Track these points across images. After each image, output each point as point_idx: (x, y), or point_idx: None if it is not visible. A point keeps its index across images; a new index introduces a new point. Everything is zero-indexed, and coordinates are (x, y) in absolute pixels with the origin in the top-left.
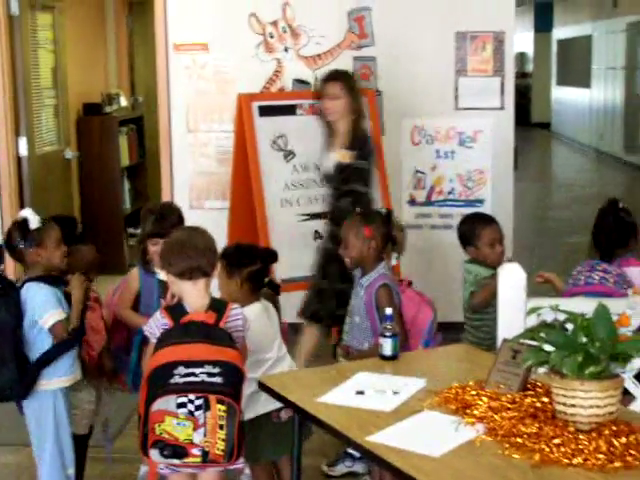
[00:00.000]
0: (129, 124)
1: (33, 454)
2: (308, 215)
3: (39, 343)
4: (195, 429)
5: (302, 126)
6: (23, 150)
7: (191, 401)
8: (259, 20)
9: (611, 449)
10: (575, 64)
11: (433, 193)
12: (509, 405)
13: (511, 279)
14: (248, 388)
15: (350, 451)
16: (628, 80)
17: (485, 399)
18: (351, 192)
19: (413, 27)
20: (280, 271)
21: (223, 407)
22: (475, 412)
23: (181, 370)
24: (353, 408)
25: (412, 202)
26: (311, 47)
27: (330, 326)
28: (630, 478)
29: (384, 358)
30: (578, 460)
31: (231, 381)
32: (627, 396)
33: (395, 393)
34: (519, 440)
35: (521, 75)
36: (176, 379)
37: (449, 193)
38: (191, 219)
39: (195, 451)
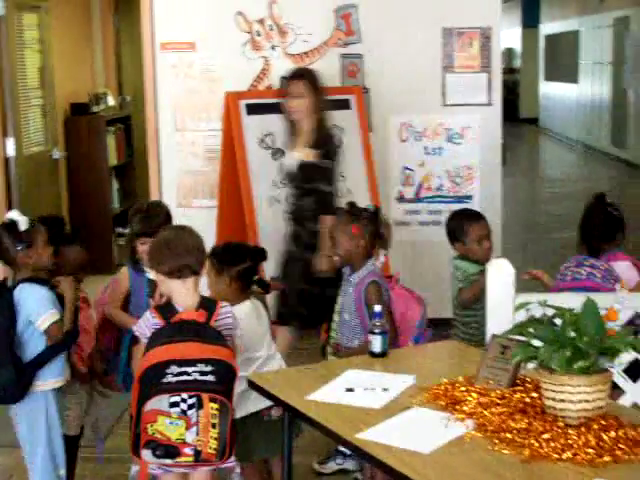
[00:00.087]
0: (117, 123)
1: (23, 456)
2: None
3: (33, 344)
4: (188, 428)
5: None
6: (10, 150)
7: (184, 400)
8: (246, 18)
9: (600, 443)
10: (562, 59)
11: (422, 190)
12: (498, 401)
13: (500, 275)
14: (238, 386)
15: (341, 448)
16: (615, 75)
17: (474, 395)
18: (314, 191)
19: (400, 24)
20: (269, 269)
21: (216, 405)
22: (464, 408)
23: (174, 369)
24: (343, 405)
25: (401, 199)
26: (298, 45)
27: (301, 327)
28: (619, 472)
29: (373, 355)
30: (567, 455)
31: (223, 379)
32: (616, 390)
33: (385, 390)
34: (509, 435)
35: (509, 71)
36: (169, 378)
37: (438, 189)
38: (179, 218)
39: (187, 450)
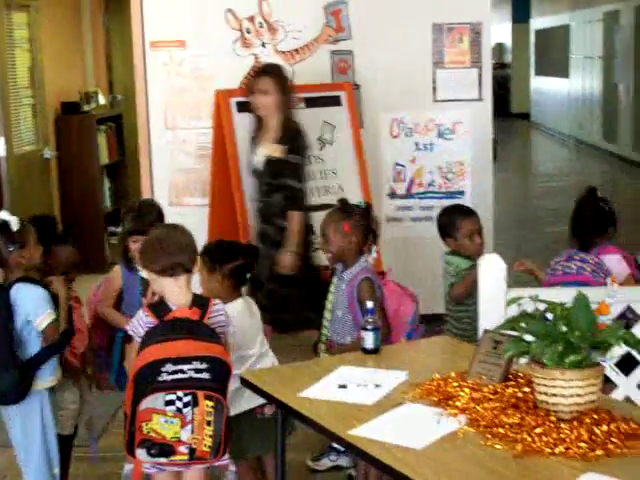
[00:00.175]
0: (108, 122)
1: (17, 456)
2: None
3: (30, 344)
4: (183, 426)
5: None
6: (1, 150)
7: (179, 398)
8: (236, 16)
9: (592, 437)
10: (553, 54)
11: (413, 185)
12: (491, 396)
13: (491, 270)
14: (232, 384)
15: (335, 445)
16: (606, 69)
17: (467, 390)
18: (284, 187)
19: (390, 20)
20: None
21: (211, 403)
22: (457, 403)
23: (169, 367)
24: (335, 402)
25: (392, 195)
26: (288, 42)
27: (275, 327)
28: (611, 466)
29: (366, 351)
30: (560, 449)
31: (218, 376)
32: (608, 384)
33: (377, 386)
34: (501, 430)
35: (500, 66)
36: (164, 376)
37: (429, 185)
38: (171, 216)
39: (182, 449)
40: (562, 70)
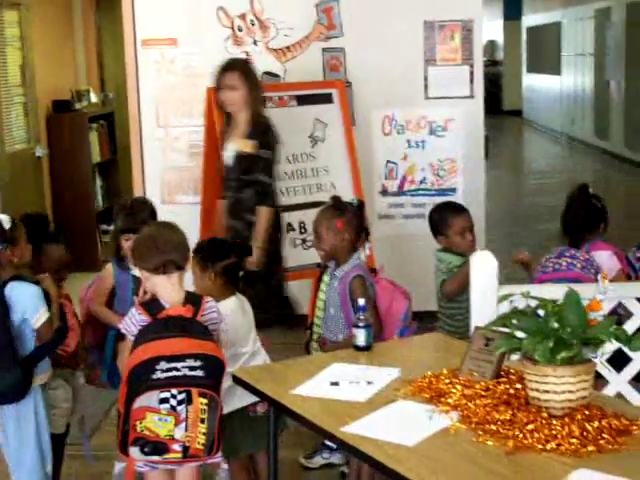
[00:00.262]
0: (99, 120)
1: (7, 456)
2: (280, 207)
3: (27, 342)
4: (177, 424)
5: (272, 119)
6: None
7: (173, 396)
8: (227, 13)
9: (584, 433)
10: (545, 51)
11: (405, 183)
12: (483, 392)
13: (483, 267)
14: (225, 382)
15: (327, 442)
16: (597, 66)
17: (459, 387)
18: (255, 182)
19: (381, 17)
20: None
21: (205, 400)
22: (449, 400)
23: (163, 365)
24: (328, 399)
25: (384, 192)
26: (280, 39)
27: None
28: (603, 462)
29: (358, 349)
30: (552, 445)
31: (212, 374)
32: (600, 380)
33: (369, 383)
34: (493, 427)
35: (492, 63)
36: (158, 374)
37: (421, 182)
38: (163, 214)
39: (176, 447)
40: (554, 67)
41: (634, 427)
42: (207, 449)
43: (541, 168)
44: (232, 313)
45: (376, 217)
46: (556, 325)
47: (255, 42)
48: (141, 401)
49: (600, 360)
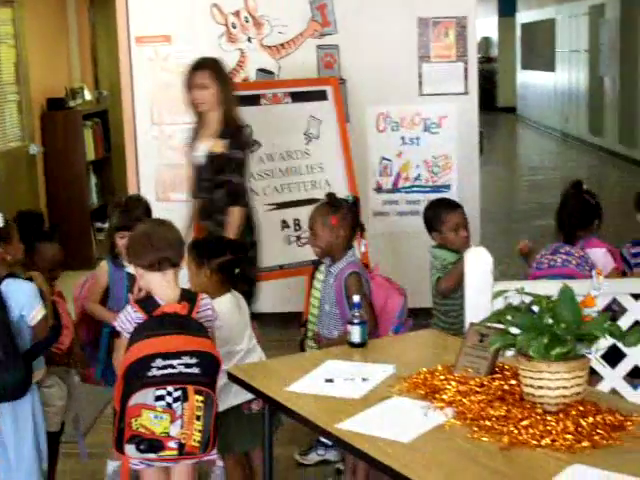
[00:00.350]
0: (94, 118)
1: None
2: (275, 204)
3: (24, 339)
4: (172, 422)
5: (267, 116)
6: None
7: (169, 393)
8: (221, 10)
9: (579, 429)
10: (539, 48)
11: (399, 180)
12: (477, 389)
13: (478, 263)
14: (220, 380)
15: (322, 439)
16: (592, 63)
17: (454, 383)
18: (226, 183)
19: (375, 14)
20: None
21: (201, 397)
22: (444, 397)
23: (159, 362)
24: (322, 396)
25: (379, 189)
26: (274, 36)
27: None
28: (597, 457)
29: (353, 345)
30: (546, 441)
31: (208, 371)
32: (594, 376)
33: (364, 380)
34: (488, 423)
35: (486, 60)
36: (154, 372)
37: (415, 179)
38: (158, 212)
39: (171, 444)
40: (548, 64)
41: (628, 423)
42: (203, 446)
43: (535, 165)
44: (227, 310)
45: (371, 214)
46: (550, 321)
47: (249, 39)
48: (137, 398)
49: (594, 356)
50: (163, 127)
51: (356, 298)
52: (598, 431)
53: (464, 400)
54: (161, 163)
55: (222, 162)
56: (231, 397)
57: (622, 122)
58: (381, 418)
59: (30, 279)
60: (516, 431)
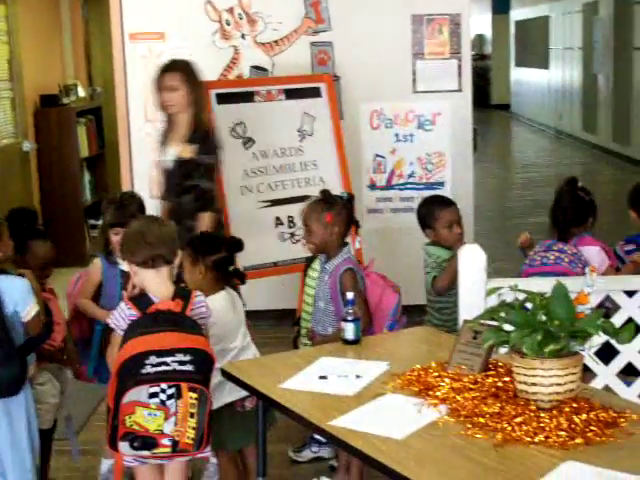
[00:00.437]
0: (87, 115)
1: None
2: (268, 202)
3: (18, 335)
4: (166, 419)
5: (261, 113)
6: None
7: (163, 390)
8: (215, 7)
9: (572, 426)
10: (533, 45)
11: (393, 177)
12: (471, 385)
13: (472, 261)
14: (214, 378)
15: (316, 436)
16: (585, 60)
17: (447, 380)
18: (194, 188)
19: (369, 11)
20: (241, 259)
21: (195, 395)
22: (437, 393)
23: (153, 360)
24: (316, 393)
25: (372, 186)
26: (268, 33)
27: None
28: (591, 454)
29: (347, 342)
30: (540, 438)
31: (202, 368)
32: (587, 373)
33: (358, 377)
34: (481, 420)
35: (480, 57)
36: (148, 369)
37: (409, 176)
38: (152, 208)
39: (165, 441)
40: (542, 61)
41: (621, 419)
42: (196, 444)
43: (529, 162)
44: (222, 308)
45: (365, 211)
46: (544, 318)
47: (243, 36)
48: (130, 396)
49: (588, 353)
50: (157, 124)
51: (350, 295)
52: (591, 428)
53: (458, 397)
54: (155, 160)
55: (190, 167)
56: (225, 395)
57: (615, 120)
58: (375, 415)
59: (21, 276)
60: (510, 428)
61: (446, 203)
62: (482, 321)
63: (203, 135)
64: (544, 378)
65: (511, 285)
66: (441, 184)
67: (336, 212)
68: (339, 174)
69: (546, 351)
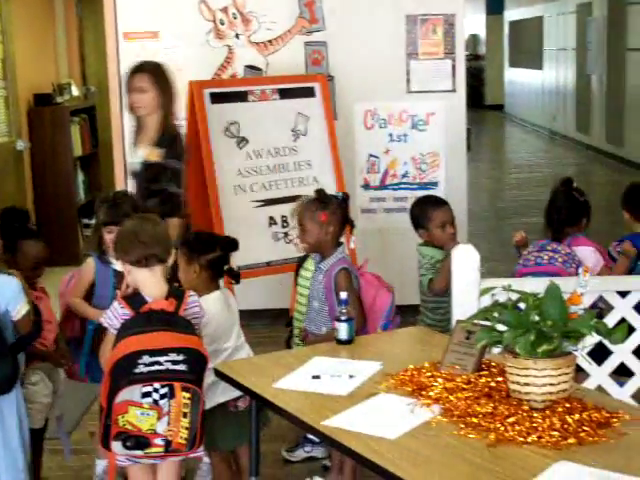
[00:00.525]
0: (81, 114)
1: None
2: (262, 201)
3: (9, 334)
4: (159, 418)
5: (254, 112)
6: None
7: (156, 390)
8: (209, 7)
9: (565, 426)
10: (527, 45)
11: (387, 177)
12: (464, 385)
13: (465, 261)
14: (207, 378)
15: (309, 436)
16: (579, 61)
17: (440, 380)
18: (160, 192)
19: (364, 11)
20: (234, 258)
21: (188, 395)
22: (431, 393)
23: (146, 359)
24: (309, 393)
25: (366, 186)
26: (262, 33)
27: None
28: (583, 454)
29: (340, 342)
30: (533, 438)
31: (195, 368)
32: (580, 373)
33: (351, 377)
34: (474, 420)
35: (474, 57)
36: (141, 368)
37: (403, 176)
38: None
39: (158, 441)
40: (536, 62)
41: (614, 420)
42: (189, 444)
43: (522, 162)
44: (215, 307)
45: (358, 211)
46: (537, 318)
47: (237, 35)
48: (123, 395)
49: (581, 353)
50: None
51: (343, 295)
52: (584, 428)
53: (451, 397)
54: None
55: (157, 171)
56: (218, 395)
57: (609, 120)
58: (368, 415)
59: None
60: (502, 428)
61: (439, 203)
62: (475, 321)
63: (171, 139)
64: (537, 378)
65: (504, 285)
66: (435, 184)
67: (331, 211)
68: (333, 174)
69: (539, 351)
